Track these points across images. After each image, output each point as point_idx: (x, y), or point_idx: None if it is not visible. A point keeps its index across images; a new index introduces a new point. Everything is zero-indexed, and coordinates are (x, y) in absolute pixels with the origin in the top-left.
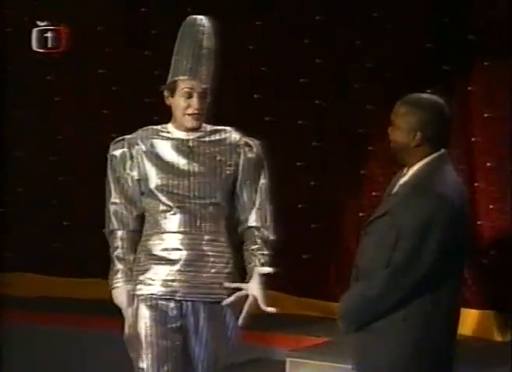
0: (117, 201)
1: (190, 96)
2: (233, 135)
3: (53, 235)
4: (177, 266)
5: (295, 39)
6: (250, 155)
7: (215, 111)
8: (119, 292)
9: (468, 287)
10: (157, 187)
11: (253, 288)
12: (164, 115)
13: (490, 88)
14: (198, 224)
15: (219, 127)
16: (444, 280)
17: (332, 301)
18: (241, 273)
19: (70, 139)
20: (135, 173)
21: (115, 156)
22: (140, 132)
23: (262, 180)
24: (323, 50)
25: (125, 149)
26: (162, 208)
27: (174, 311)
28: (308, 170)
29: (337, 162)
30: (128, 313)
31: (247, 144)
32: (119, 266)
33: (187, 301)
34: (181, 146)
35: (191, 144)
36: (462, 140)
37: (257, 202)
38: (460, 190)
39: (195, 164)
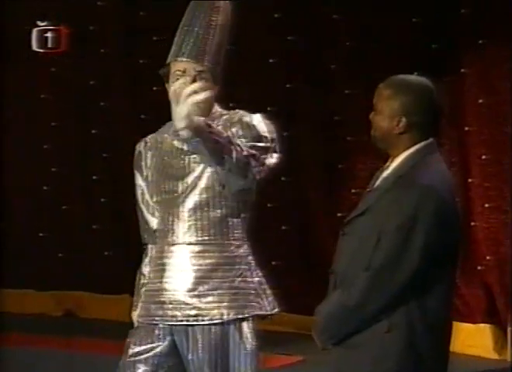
0: (141, 206)
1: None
2: (232, 116)
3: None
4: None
5: (263, 12)
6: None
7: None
8: None
9: (460, 297)
10: (156, 194)
11: None
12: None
13: (486, 70)
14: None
15: (228, 112)
16: (433, 286)
17: (306, 314)
18: None
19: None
20: (148, 178)
21: (134, 158)
22: (163, 127)
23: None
24: (296, 26)
25: (141, 149)
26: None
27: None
28: (278, 164)
29: (312, 154)
30: None
31: (243, 116)
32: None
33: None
34: (181, 142)
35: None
36: (454, 130)
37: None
38: (449, 183)
39: (192, 168)
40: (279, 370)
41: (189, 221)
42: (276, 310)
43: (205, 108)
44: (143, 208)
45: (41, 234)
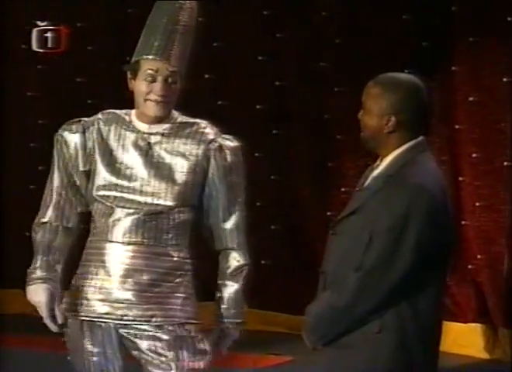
0: (61, 191)
1: (154, 80)
2: (206, 132)
3: None
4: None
5: (252, 9)
6: (221, 162)
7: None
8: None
9: (451, 296)
10: (99, 188)
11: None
12: None
13: (477, 68)
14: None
15: (192, 120)
16: (425, 287)
17: (296, 314)
18: None
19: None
20: (85, 165)
21: (65, 139)
22: (100, 115)
23: (239, 199)
24: (285, 23)
25: (78, 135)
26: (106, 212)
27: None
28: (267, 163)
29: (301, 153)
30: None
31: (220, 148)
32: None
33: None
34: (140, 141)
35: (151, 140)
36: (445, 128)
37: (232, 222)
38: (441, 182)
39: (151, 166)
40: (269, 370)
41: (144, 222)
42: (244, 318)
43: (172, 107)
44: (65, 189)
45: (27, 233)
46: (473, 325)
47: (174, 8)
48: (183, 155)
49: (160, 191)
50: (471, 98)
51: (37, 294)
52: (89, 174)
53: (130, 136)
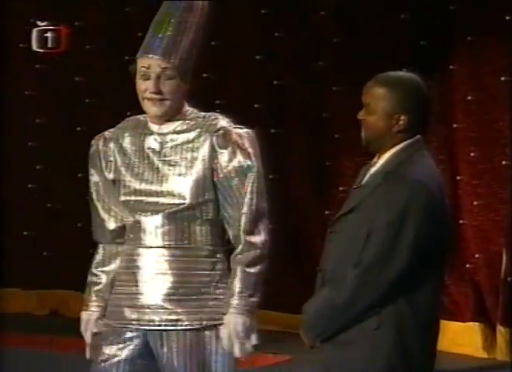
0: (96, 204)
1: (148, 77)
2: (214, 123)
3: None
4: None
5: (251, 8)
6: (225, 148)
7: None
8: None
9: (449, 295)
10: (123, 194)
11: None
12: None
13: (475, 67)
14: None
15: (204, 113)
16: (423, 283)
17: (293, 313)
18: None
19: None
20: (110, 175)
21: (90, 154)
22: (122, 123)
23: (250, 185)
24: (284, 22)
25: (99, 147)
26: (130, 218)
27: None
28: (266, 162)
29: (300, 152)
30: None
31: (224, 134)
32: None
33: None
34: (153, 143)
35: (163, 140)
36: (443, 127)
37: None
38: (439, 179)
39: (164, 166)
40: (267, 369)
41: (162, 225)
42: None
43: (175, 108)
44: (98, 206)
45: (26, 232)
46: (471, 324)
47: (174, 6)
48: (193, 149)
49: (175, 190)
50: (469, 97)
51: (88, 325)
52: (115, 183)
53: (145, 139)
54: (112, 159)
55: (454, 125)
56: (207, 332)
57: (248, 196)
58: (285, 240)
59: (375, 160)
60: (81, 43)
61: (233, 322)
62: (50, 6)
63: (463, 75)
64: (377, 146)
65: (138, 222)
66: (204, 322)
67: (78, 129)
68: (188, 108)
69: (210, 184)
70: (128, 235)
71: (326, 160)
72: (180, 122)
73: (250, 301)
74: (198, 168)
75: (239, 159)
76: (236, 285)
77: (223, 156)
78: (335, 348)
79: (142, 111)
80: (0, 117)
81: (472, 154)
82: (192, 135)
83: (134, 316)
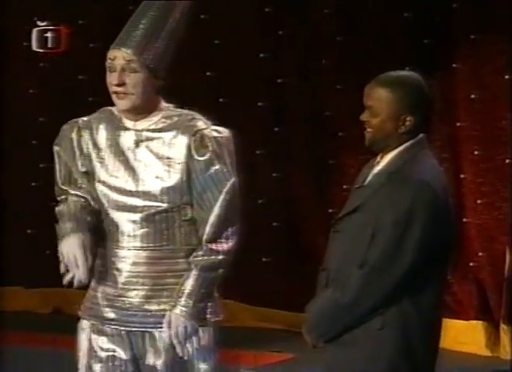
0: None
1: (114, 69)
2: (191, 124)
3: None
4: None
5: (253, 6)
6: (202, 155)
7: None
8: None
9: (453, 293)
10: (98, 190)
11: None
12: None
13: (478, 65)
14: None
15: (180, 111)
16: (427, 283)
17: (297, 311)
18: None
19: None
20: (83, 168)
21: (60, 138)
22: (96, 114)
23: (224, 190)
24: (287, 20)
25: (73, 135)
26: (106, 215)
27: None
28: (269, 160)
29: (303, 150)
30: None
31: (201, 139)
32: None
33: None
34: (127, 140)
35: (138, 138)
36: (446, 125)
37: (215, 214)
38: (442, 179)
39: (140, 166)
40: (270, 367)
41: (141, 226)
42: (222, 315)
43: (143, 103)
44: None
45: (29, 231)
46: (474, 322)
47: (151, 3)
48: (169, 151)
49: (151, 192)
50: (472, 96)
51: (71, 245)
52: (89, 175)
53: (120, 135)
54: (86, 151)
55: (458, 124)
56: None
57: (218, 205)
58: (288, 239)
59: (378, 159)
60: (85, 42)
61: (175, 325)
62: (50, 6)
63: (466, 73)
64: (382, 147)
65: (114, 222)
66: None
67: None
68: (164, 105)
69: (188, 187)
70: (104, 232)
71: (329, 158)
72: (155, 119)
73: (198, 306)
74: (175, 171)
75: (216, 168)
76: (187, 286)
77: (200, 164)
78: (338, 348)
79: None
80: (3, 115)
81: (475, 152)
82: (168, 135)
83: (113, 316)
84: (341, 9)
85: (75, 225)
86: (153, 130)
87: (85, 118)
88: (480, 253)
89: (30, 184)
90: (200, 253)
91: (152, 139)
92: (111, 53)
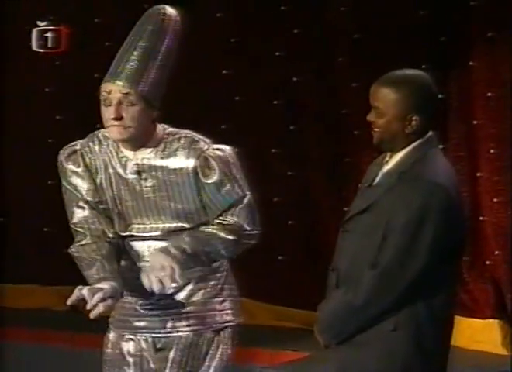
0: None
1: (110, 103)
2: (192, 147)
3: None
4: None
5: (270, 5)
6: (211, 178)
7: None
8: None
9: (469, 292)
10: (113, 216)
11: None
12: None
13: (494, 63)
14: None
15: (177, 134)
16: (439, 283)
17: (313, 310)
18: None
19: None
20: (94, 197)
21: (68, 172)
22: (91, 143)
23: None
24: (302, 19)
25: (81, 169)
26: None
27: None
28: (284, 158)
29: (318, 148)
30: None
31: (206, 162)
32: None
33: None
34: (129, 172)
35: (140, 169)
36: (462, 123)
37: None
38: (454, 177)
39: (146, 198)
40: (286, 366)
41: (163, 241)
42: (241, 317)
43: (140, 134)
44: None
45: (46, 229)
46: (491, 321)
47: (142, 29)
48: (178, 177)
49: (170, 217)
50: (489, 94)
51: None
52: (101, 204)
53: (121, 165)
54: (97, 182)
55: (474, 122)
56: (210, 335)
57: (241, 224)
58: (304, 237)
59: (386, 158)
60: (101, 40)
61: (152, 258)
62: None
63: (482, 72)
64: (390, 147)
65: (133, 245)
66: (212, 325)
67: (98, 125)
68: (160, 129)
69: (202, 208)
70: (124, 254)
71: (345, 156)
72: (155, 147)
73: (187, 253)
74: (186, 195)
75: (227, 188)
76: (188, 237)
77: (211, 186)
78: (351, 349)
79: (161, 107)
80: (20, 113)
81: (491, 151)
82: (172, 162)
83: (142, 324)
84: (357, 7)
85: (102, 270)
86: (155, 158)
87: (84, 147)
88: (496, 252)
89: (46, 182)
90: (227, 219)
91: (155, 167)
92: (105, 87)
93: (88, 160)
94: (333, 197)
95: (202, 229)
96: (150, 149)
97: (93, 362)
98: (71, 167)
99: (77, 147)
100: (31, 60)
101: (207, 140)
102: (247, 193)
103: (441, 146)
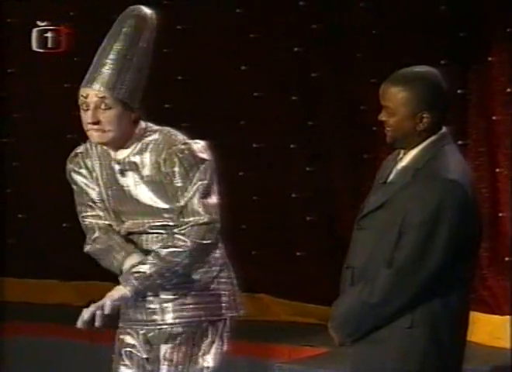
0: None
1: (87, 107)
2: (162, 145)
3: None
4: None
5: (288, 1)
6: (175, 171)
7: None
8: None
9: (488, 288)
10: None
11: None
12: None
13: None
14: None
15: (153, 132)
16: (455, 280)
17: (331, 306)
18: None
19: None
20: (99, 195)
21: (74, 179)
22: (84, 149)
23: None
24: (321, 13)
25: (84, 171)
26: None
27: None
28: (303, 154)
29: (337, 144)
30: None
31: (171, 157)
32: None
33: None
34: (115, 168)
35: (123, 167)
36: (482, 119)
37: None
38: (468, 174)
39: (132, 196)
40: (304, 362)
41: (157, 237)
42: (242, 312)
43: (120, 137)
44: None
45: (64, 224)
46: (510, 317)
47: (117, 31)
48: (154, 174)
49: (150, 212)
50: (508, 89)
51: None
52: (102, 202)
53: (111, 166)
54: (93, 181)
55: (493, 118)
56: (204, 327)
57: (196, 214)
58: (322, 233)
59: (400, 155)
60: None
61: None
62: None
63: (502, 67)
64: (403, 145)
65: (130, 240)
66: (203, 318)
67: None
68: (141, 128)
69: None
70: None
71: (364, 152)
72: (134, 146)
73: (147, 276)
74: (163, 192)
75: (181, 186)
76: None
77: (172, 184)
78: (367, 346)
79: (179, 104)
80: (40, 110)
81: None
82: (147, 159)
83: (138, 317)
84: (376, 3)
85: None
86: (134, 157)
87: (81, 149)
88: None
89: (66, 178)
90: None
91: (135, 165)
92: (83, 91)
93: (88, 162)
94: (351, 193)
95: (166, 244)
96: (130, 149)
97: (112, 357)
98: (75, 168)
99: (79, 150)
100: (49, 57)
101: (180, 137)
102: (200, 182)
103: (460, 142)
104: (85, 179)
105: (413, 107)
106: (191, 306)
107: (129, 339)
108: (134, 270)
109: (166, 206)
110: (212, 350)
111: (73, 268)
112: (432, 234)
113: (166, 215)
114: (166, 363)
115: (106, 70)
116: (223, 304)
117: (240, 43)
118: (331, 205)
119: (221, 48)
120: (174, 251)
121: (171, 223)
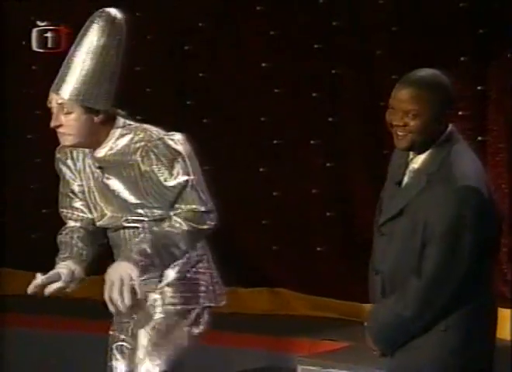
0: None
1: (52, 111)
2: (138, 144)
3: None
4: None
5: None
6: (152, 168)
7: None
8: None
9: (507, 283)
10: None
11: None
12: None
13: None
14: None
15: (132, 129)
16: (480, 278)
17: (350, 300)
18: None
19: None
20: (80, 186)
21: (60, 168)
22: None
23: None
24: (342, 11)
25: (69, 161)
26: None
27: None
28: (323, 150)
29: (357, 140)
30: None
31: (147, 154)
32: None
33: None
34: (94, 169)
35: (101, 165)
36: (501, 116)
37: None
38: (482, 171)
39: (108, 185)
40: (325, 356)
41: (139, 235)
42: (223, 303)
43: (87, 139)
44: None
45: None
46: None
47: (81, 35)
48: (129, 169)
49: (128, 207)
50: None
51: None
52: (83, 193)
53: (90, 164)
54: (78, 174)
55: None
56: (180, 315)
57: (194, 207)
58: (342, 228)
59: (411, 156)
60: (142, 33)
61: (111, 271)
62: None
63: None
64: (423, 149)
65: (109, 235)
66: (178, 307)
67: (138, 117)
68: (118, 127)
69: (155, 198)
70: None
71: (384, 148)
72: (111, 143)
73: (148, 254)
74: (140, 188)
75: (169, 179)
76: (149, 234)
77: (153, 179)
78: (403, 354)
79: (199, 100)
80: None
81: None
82: (124, 156)
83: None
84: (397, 0)
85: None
86: (112, 154)
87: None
88: None
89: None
90: (182, 207)
91: (113, 162)
92: (49, 96)
93: (74, 154)
94: (371, 188)
95: (161, 224)
96: (107, 147)
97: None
98: (62, 158)
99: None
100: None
101: (156, 132)
102: (189, 177)
103: (479, 138)
104: (69, 170)
105: (439, 109)
106: (168, 294)
107: (119, 334)
108: (135, 248)
109: (139, 201)
110: (186, 337)
111: (95, 263)
112: (455, 244)
113: (140, 211)
114: (143, 349)
115: (65, 75)
116: (200, 294)
117: (260, 40)
118: (351, 201)
119: (242, 45)
120: (172, 231)
121: (145, 219)
